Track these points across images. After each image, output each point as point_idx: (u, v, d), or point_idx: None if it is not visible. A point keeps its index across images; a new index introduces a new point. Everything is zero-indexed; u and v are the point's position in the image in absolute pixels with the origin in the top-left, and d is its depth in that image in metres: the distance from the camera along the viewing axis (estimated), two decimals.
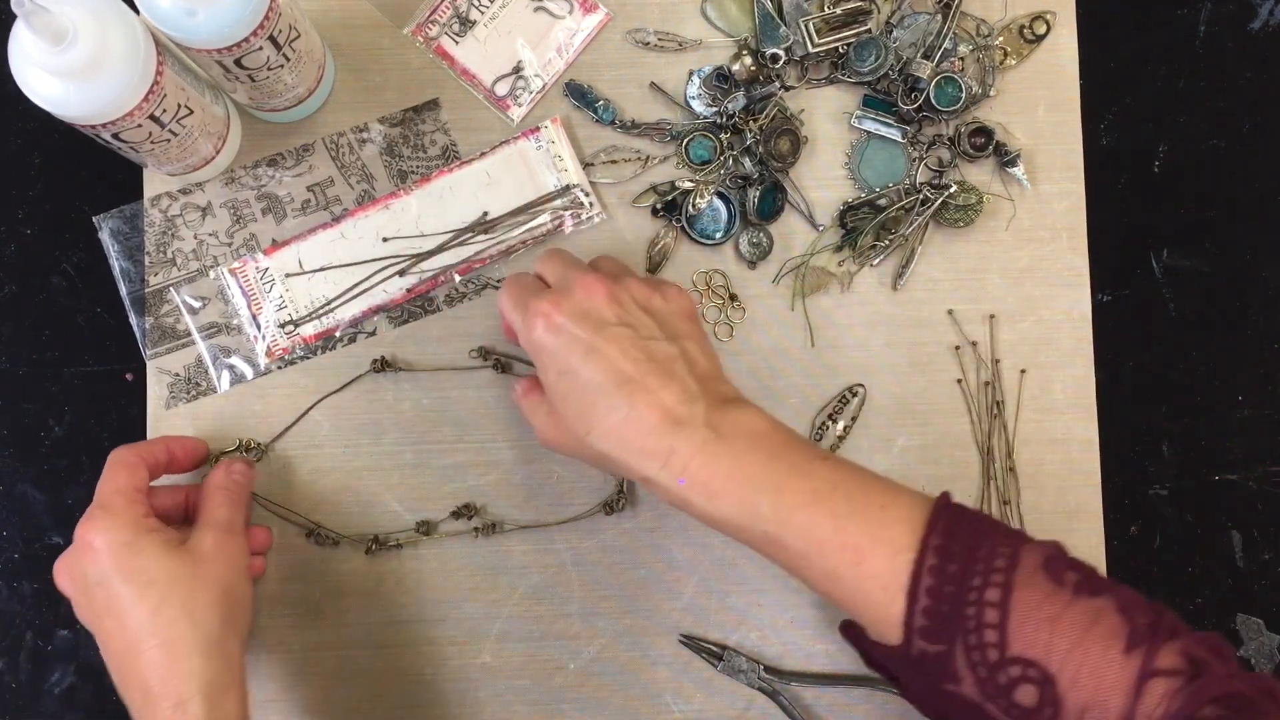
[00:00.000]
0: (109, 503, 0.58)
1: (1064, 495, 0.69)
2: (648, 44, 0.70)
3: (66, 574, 0.58)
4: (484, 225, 0.69)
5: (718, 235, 0.69)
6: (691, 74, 0.70)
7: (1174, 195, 0.72)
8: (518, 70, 0.70)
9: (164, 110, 0.58)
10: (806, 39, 0.68)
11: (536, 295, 0.56)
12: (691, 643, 0.67)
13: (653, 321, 0.56)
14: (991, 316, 0.70)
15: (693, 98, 0.70)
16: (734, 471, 0.52)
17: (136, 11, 0.56)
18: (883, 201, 0.69)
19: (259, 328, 0.68)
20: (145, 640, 0.55)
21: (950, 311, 0.70)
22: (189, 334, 0.68)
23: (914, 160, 0.70)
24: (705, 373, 0.55)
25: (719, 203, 0.69)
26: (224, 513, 0.61)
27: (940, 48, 0.69)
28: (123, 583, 0.56)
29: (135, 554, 0.57)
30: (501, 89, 0.70)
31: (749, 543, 0.54)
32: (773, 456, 0.53)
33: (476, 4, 0.70)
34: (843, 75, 0.70)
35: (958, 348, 0.70)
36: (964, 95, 0.69)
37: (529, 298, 0.56)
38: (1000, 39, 0.70)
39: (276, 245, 0.68)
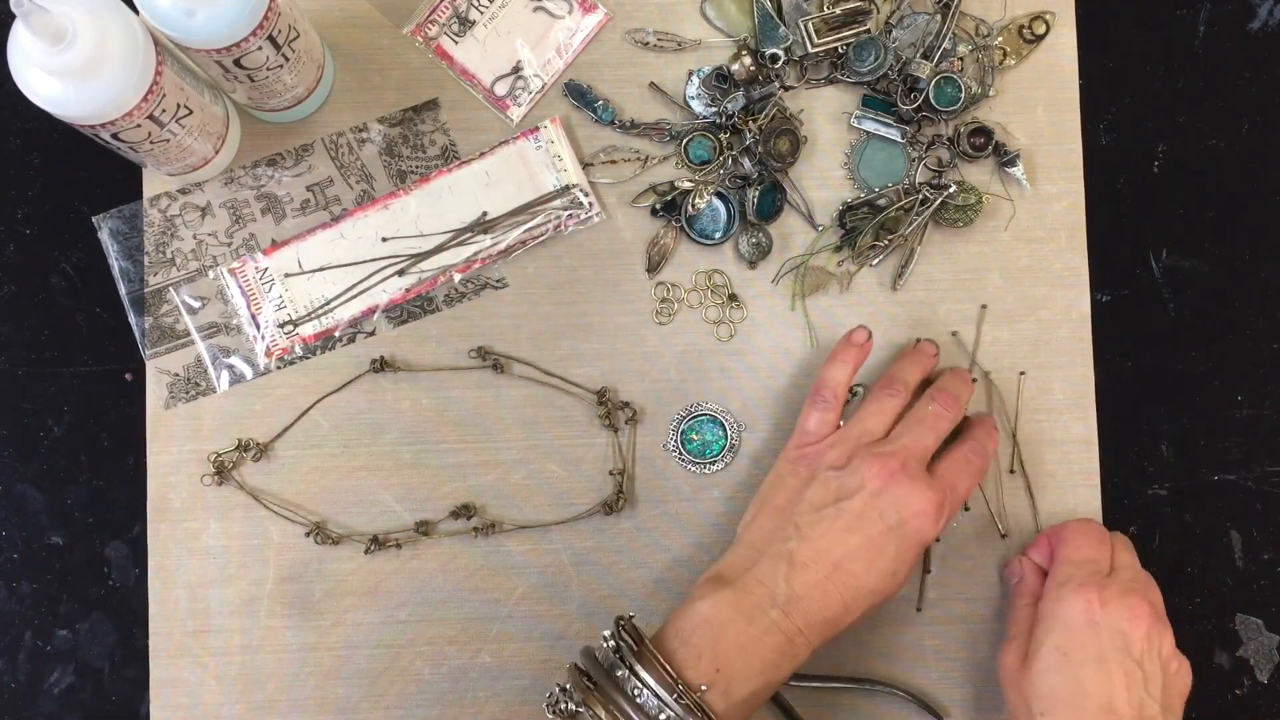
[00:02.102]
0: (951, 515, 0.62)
1: (1063, 495, 0.69)
2: (647, 44, 0.70)
3: (924, 498, 0.60)
4: (483, 225, 0.69)
5: (717, 235, 0.69)
6: (691, 74, 0.70)
7: (1173, 195, 0.72)
8: (517, 70, 0.70)
9: (163, 110, 0.58)
10: (806, 39, 0.68)
11: (1091, 581, 0.62)
12: None
13: (1160, 679, 0.61)
14: (983, 306, 0.70)
15: (692, 98, 0.70)
16: None
17: (136, 11, 0.56)
18: (882, 201, 0.69)
19: (258, 327, 0.68)
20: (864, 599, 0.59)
21: (954, 333, 0.70)
22: (188, 334, 0.68)
23: (913, 160, 0.70)
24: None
25: (718, 203, 0.69)
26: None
27: (939, 48, 0.69)
28: (894, 547, 0.59)
29: (917, 549, 0.61)
30: (501, 89, 0.70)
31: None
32: None
33: (476, 4, 0.70)
34: (842, 75, 0.70)
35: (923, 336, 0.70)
36: (963, 95, 0.69)
37: (1084, 575, 0.62)
38: (999, 39, 0.70)
39: (276, 245, 0.68)
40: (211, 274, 0.68)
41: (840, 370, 0.65)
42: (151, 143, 0.60)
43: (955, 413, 0.63)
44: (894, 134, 0.70)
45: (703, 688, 0.55)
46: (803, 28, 0.68)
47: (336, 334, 0.68)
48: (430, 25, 0.70)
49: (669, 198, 0.69)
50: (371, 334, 0.69)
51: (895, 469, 0.59)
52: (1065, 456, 0.70)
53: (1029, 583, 0.66)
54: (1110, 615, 0.59)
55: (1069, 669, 0.59)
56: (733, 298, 0.70)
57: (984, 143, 0.69)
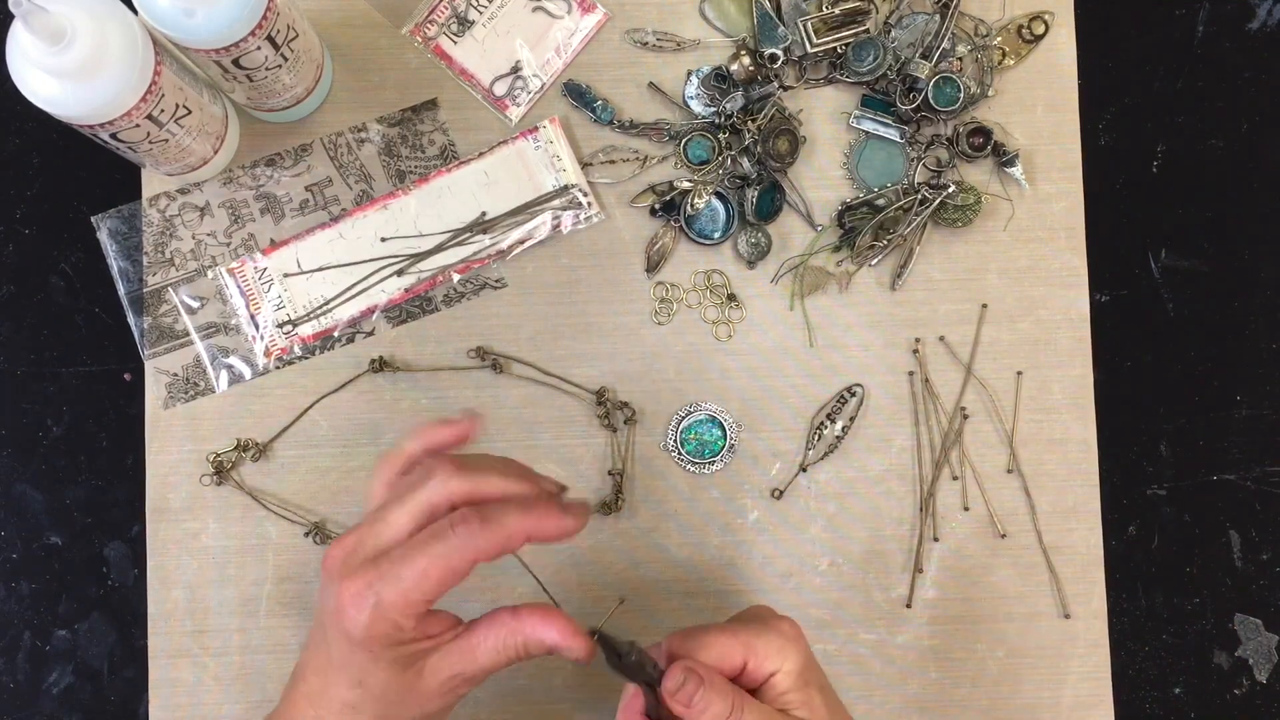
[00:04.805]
0: (392, 605, 0.48)
1: (1062, 495, 0.69)
2: (646, 44, 0.70)
3: (329, 587, 0.49)
4: (482, 225, 0.69)
5: (716, 235, 0.69)
6: (690, 74, 0.70)
7: (1172, 195, 0.72)
8: (516, 70, 0.70)
9: (162, 110, 0.58)
10: (805, 39, 0.68)
11: (773, 623, 0.52)
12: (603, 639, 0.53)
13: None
14: (984, 306, 0.70)
15: (691, 98, 0.70)
16: None
17: (135, 11, 0.56)
18: (881, 201, 0.69)
19: (257, 327, 0.68)
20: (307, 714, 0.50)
21: (942, 338, 0.70)
22: (187, 334, 0.68)
23: (912, 160, 0.70)
24: None
25: (717, 203, 0.69)
26: (484, 664, 0.51)
27: (939, 48, 0.69)
28: (340, 652, 0.49)
29: (366, 652, 0.49)
30: (500, 89, 0.70)
31: None
32: None
33: (475, 4, 0.70)
34: (841, 75, 0.70)
35: (914, 351, 0.70)
36: (962, 95, 0.69)
37: (758, 623, 0.53)
38: (998, 39, 0.70)
39: (275, 245, 0.68)
40: (210, 274, 0.68)
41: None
42: (150, 143, 0.60)
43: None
44: (893, 134, 0.70)
45: None
46: (802, 28, 0.68)
47: (335, 334, 0.68)
48: (429, 25, 0.70)
49: (668, 198, 0.69)
50: (370, 334, 0.69)
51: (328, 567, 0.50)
52: (1064, 456, 0.70)
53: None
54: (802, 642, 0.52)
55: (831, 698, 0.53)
56: (732, 298, 0.70)
57: (983, 143, 0.69)
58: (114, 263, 0.68)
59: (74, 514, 0.68)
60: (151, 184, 0.68)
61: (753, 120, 0.69)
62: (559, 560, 0.68)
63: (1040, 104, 0.71)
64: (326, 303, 0.68)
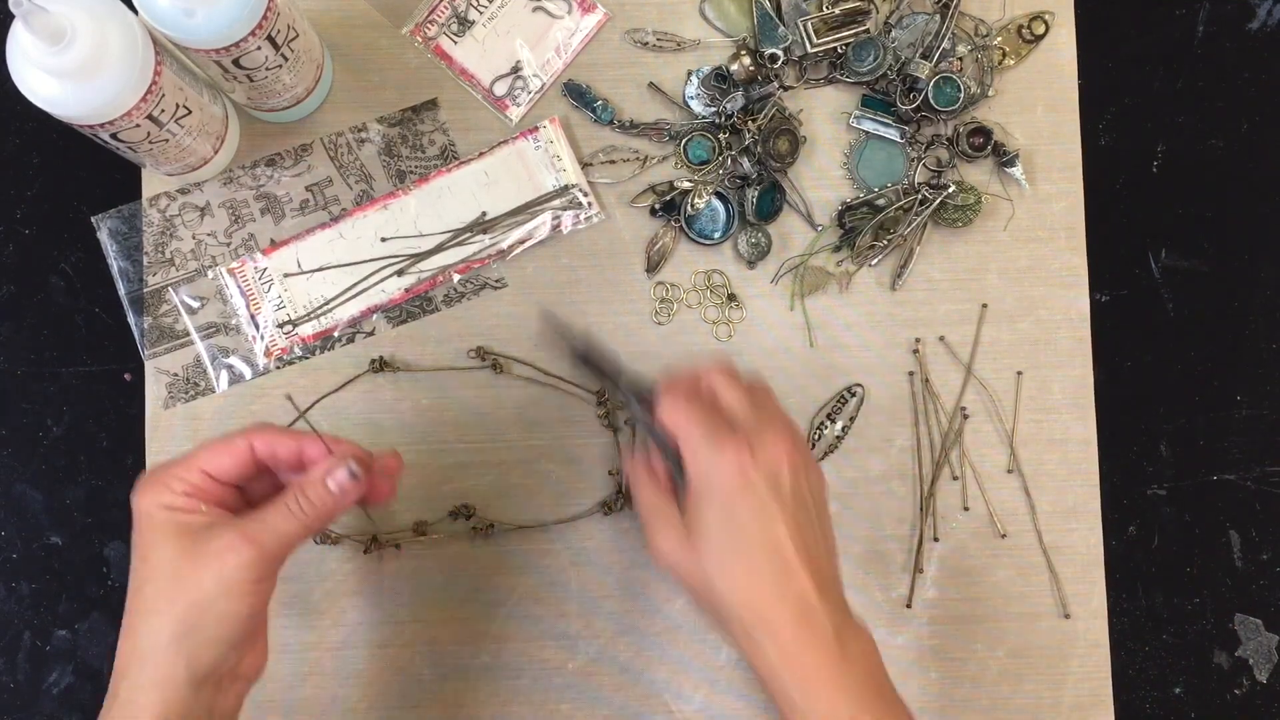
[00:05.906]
0: (170, 477, 0.52)
1: (1062, 495, 0.69)
2: (646, 44, 0.70)
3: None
4: (482, 225, 0.69)
5: (716, 235, 0.69)
6: (690, 74, 0.70)
7: (1172, 195, 0.72)
8: (516, 70, 0.70)
9: (162, 110, 0.58)
10: (805, 39, 0.68)
11: (731, 434, 0.55)
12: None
13: (812, 505, 0.56)
14: (984, 306, 0.70)
15: (691, 98, 0.70)
16: (840, 687, 0.53)
17: (135, 11, 0.56)
18: (881, 201, 0.69)
19: (257, 328, 0.68)
20: (126, 612, 0.52)
21: (942, 338, 0.70)
22: (187, 334, 0.68)
23: (912, 160, 0.70)
24: (831, 572, 0.56)
25: (717, 203, 0.69)
26: (279, 531, 0.52)
27: (939, 48, 0.69)
28: (135, 548, 0.53)
29: (150, 529, 0.52)
30: (500, 89, 0.70)
31: None
32: (879, 694, 0.54)
33: (475, 4, 0.70)
34: (841, 75, 0.70)
35: (915, 351, 0.70)
36: (962, 95, 0.69)
37: (721, 431, 0.55)
38: (999, 39, 0.70)
39: (275, 245, 0.68)
40: (210, 274, 0.68)
41: None
42: (150, 143, 0.60)
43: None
44: (893, 134, 0.70)
45: None
46: (802, 28, 0.68)
47: (335, 334, 0.68)
48: (429, 25, 0.70)
49: (668, 198, 0.69)
50: (371, 334, 0.69)
51: None
52: (1064, 456, 0.70)
53: (645, 477, 0.58)
54: (761, 465, 0.54)
55: (735, 533, 0.54)
56: (732, 298, 0.70)
57: (983, 143, 0.69)
58: (114, 263, 0.68)
59: (74, 514, 0.68)
60: (151, 184, 0.68)
61: (753, 120, 0.69)
62: (559, 560, 0.68)
63: (1040, 104, 0.71)
64: (327, 303, 0.68)
